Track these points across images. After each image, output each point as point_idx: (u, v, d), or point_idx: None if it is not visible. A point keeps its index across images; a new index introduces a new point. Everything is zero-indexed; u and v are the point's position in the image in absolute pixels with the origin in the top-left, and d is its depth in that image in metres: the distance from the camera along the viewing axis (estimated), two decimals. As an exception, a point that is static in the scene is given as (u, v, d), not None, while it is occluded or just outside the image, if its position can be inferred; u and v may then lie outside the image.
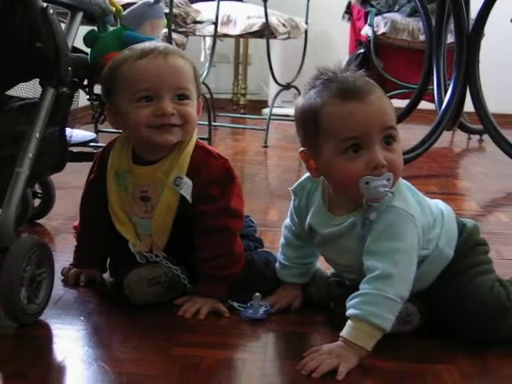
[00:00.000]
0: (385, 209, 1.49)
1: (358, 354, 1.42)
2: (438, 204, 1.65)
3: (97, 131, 3.68)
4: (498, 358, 1.51)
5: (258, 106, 6.09)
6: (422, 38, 4.69)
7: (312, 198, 1.65)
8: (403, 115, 4.68)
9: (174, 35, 3.78)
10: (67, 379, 1.38)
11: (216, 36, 4.26)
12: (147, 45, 1.73)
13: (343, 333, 1.44)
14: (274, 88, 5.24)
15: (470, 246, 1.62)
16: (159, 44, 1.77)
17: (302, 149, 1.57)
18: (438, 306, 1.59)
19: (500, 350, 1.54)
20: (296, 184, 1.69)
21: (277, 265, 1.79)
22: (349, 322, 1.45)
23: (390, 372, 1.43)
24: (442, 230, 1.58)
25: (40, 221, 2.44)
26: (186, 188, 1.69)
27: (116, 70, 1.70)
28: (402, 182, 1.57)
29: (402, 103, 4.79)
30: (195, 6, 4.07)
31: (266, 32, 4.44)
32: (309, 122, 1.52)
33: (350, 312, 1.45)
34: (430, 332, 1.60)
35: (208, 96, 4.61)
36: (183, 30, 3.94)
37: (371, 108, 1.46)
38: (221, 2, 4.20)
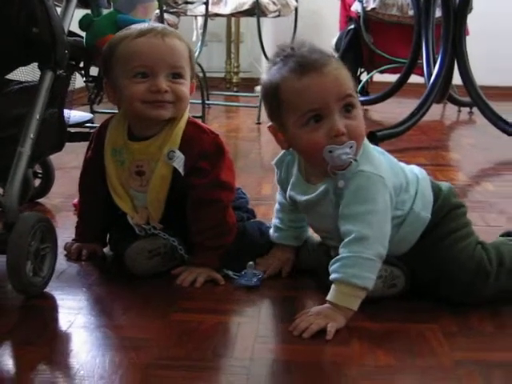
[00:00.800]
0: (353, 174, 1.56)
1: (345, 314, 1.50)
2: (413, 169, 1.72)
3: (92, 112, 3.75)
4: (479, 317, 1.59)
5: (250, 83, 6.12)
6: (411, 12, 4.72)
7: (291, 170, 1.73)
8: (394, 89, 4.75)
9: (166, 16, 3.84)
10: (73, 345, 1.46)
11: (207, 16, 4.32)
12: (146, 25, 1.81)
13: (329, 296, 1.53)
14: (265, 65, 5.28)
15: (448, 209, 1.68)
16: (157, 25, 1.85)
17: (269, 124, 1.66)
18: (421, 271, 1.66)
19: (481, 310, 1.62)
20: (277, 158, 1.78)
21: (271, 230, 1.87)
22: (333, 286, 1.53)
23: (376, 332, 1.51)
24: (416, 193, 1.64)
25: (40, 200, 2.52)
26: (179, 161, 1.77)
27: (115, 48, 1.77)
28: (372, 147, 1.64)
29: (392, 78, 4.86)
30: (186, -14, 4.13)
31: (256, 10, 4.49)
32: (271, 98, 1.60)
33: (332, 276, 1.53)
34: (414, 295, 1.68)
35: (201, 75, 4.66)
36: (175, 10, 3.99)
37: (327, 79, 1.53)
38: (211, -18, 4.26)
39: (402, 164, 1.71)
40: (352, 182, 1.56)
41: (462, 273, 1.63)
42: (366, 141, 1.61)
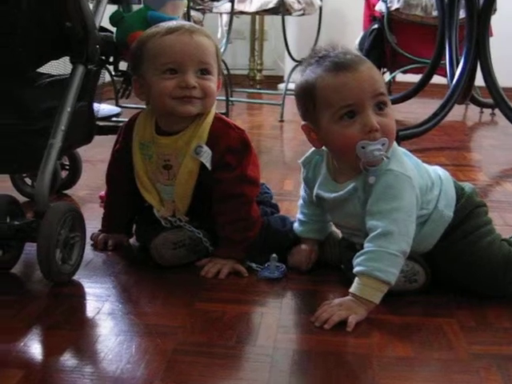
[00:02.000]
0: (382, 172, 1.60)
1: (367, 307, 1.54)
2: (436, 169, 1.76)
3: (117, 106, 3.80)
4: (497, 312, 1.62)
5: (273, 81, 6.18)
6: (434, 13, 4.75)
7: (318, 169, 1.78)
8: (417, 89, 4.77)
9: (192, 12, 3.88)
10: (101, 331, 1.49)
11: (233, 13, 4.36)
12: (174, 23, 1.85)
13: (352, 289, 1.56)
14: (289, 63, 5.33)
15: (472, 208, 1.72)
16: (185, 22, 1.89)
17: (303, 123, 1.70)
18: (444, 267, 1.71)
19: (499, 305, 1.66)
20: (304, 157, 1.81)
21: (295, 224, 1.91)
22: (356, 279, 1.57)
23: (395, 324, 1.55)
24: (440, 192, 1.69)
25: (67, 191, 2.57)
26: (206, 156, 1.81)
27: (144, 44, 1.81)
28: (400, 148, 1.68)
29: (415, 78, 4.87)
30: (212, -17, 4.17)
31: (281, 9, 4.53)
32: (307, 97, 1.65)
33: (356, 269, 1.57)
34: (434, 291, 1.71)
35: (225, 72, 4.69)
36: (200, 7, 4.03)
37: (362, 77, 1.58)
38: (237, -20, 4.30)
39: (426, 165, 1.75)
40: (380, 179, 1.60)
41: (489, 266, 1.67)
42: (394, 142, 1.66)
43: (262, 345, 1.44)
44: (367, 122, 1.57)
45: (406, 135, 3.57)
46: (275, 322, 1.55)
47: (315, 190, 1.77)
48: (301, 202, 1.90)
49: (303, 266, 1.84)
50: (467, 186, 1.78)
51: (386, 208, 1.59)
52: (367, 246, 1.58)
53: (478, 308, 1.64)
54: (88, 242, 1.94)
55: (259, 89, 6.06)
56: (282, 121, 4.45)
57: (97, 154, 2.89)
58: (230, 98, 4.67)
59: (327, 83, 1.60)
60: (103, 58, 1.99)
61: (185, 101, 1.78)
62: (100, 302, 1.63)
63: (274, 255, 1.80)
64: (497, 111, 4.58)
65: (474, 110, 5.04)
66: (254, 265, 1.83)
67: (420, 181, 1.65)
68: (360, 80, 1.58)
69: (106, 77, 2.09)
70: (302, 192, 1.89)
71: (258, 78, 6.36)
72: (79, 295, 1.70)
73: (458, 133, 4.36)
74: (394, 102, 4.87)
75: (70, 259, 1.72)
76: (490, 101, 4.50)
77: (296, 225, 1.91)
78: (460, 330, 1.53)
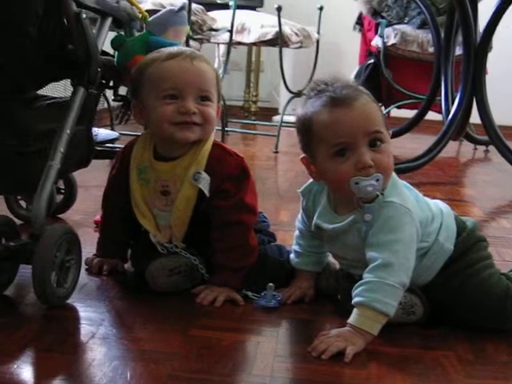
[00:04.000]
0: (382, 204, 1.60)
1: (365, 338, 1.53)
2: (437, 203, 1.77)
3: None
4: (495, 345, 1.61)
5: (268, 113, 6.19)
6: (431, 49, 4.77)
7: (318, 199, 1.77)
8: (411, 125, 4.78)
9: (190, 42, 3.89)
10: (95, 355, 1.47)
11: (231, 44, 4.37)
12: (175, 48, 1.85)
13: (350, 319, 1.55)
14: (284, 95, 5.34)
15: (473, 242, 1.72)
16: (186, 48, 1.89)
17: (302, 155, 1.70)
18: (443, 300, 1.69)
19: (497, 338, 1.65)
20: (303, 186, 1.81)
21: (291, 255, 1.89)
22: (355, 309, 1.55)
23: (393, 356, 1.53)
24: (441, 225, 1.69)
25: (62, 216, 2.55)
26: (205, 183, 1.80)
27: (145, 69, 1.81)
28: (400, 181, 1.69)
29: (410, 113, 4.89)
30: (211, 13, 4.18)
31: (279, 41, 4.55)
32: (304, 131, 1.66)
33: (355, 300, 1.56)
34: (433, 323, 1.70)
35: (221, 102, 4.69)
36: (199, 36, 4.04)
37: (356, 113, 1.58)
38: (236, 11, 4.31)
39: (427, 198, 1.75)
40: (381, 212, 1.60)
41: (489, 299, 1.67)
42: (394, 174, 1.66)
43: (258, 374, 1.42)
44: (360, 159, 1.57)
45: (401, 169, 3.57)
46: (271, 350, 1.53)
47: (314, 220, 1.76)
48: (297, 233, 1.89)
49: (292, 298, 1.82)
50: (469, 220, 1.78)
51: (386, 240, 1.58)
52: (367, 276, 1.57)
53: (477, 341, 1.63)
54: (83, 265, 1.92)
55: (254, 120, 6.06)
56: (276, 152, 4.45)
57: (91, 179, 2.87)
58: (226, 128, 4.67)
59: (322, 119, 1.60)
60: (104, 81, 1.99)
61: (184, 127, 1.78)
62: (94, 326, 1.61)
63: (271, 284, 1.78)
64: (491, 148, 4.60)
65: (467, 146, 5.05)
66: (250, 293, 1.81)
67: (420, 213, 1.64)
68: (354, 117, 1.58)
69: (104, 103, 2.08)
70: (297, 223, 1.89)
71: (252, 109, 6.37)
72: (73, 318, 1.68)
73: (452, 168, 4.37)
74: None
75: (65, 282, 1.71)
76: (484, 138, 4.52)
77: (292, 256, 1.89)
78: (458, 363, 1.52)
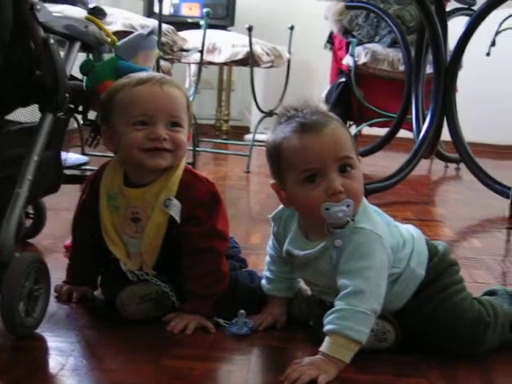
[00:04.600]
0: (352, 231, 1.59)
1: (337, 366, 1.51)
2: (408, 228, 1.76)
3: (83, 154, 3.77)
4: (467, 372, 1.60)
5: (240, 131, 6.19)
6: (401, 68, 4.80)
7: (289, 225, 1.76)
8: (383, 143, 4.81)
9: (161, 62, 3.88)
10: (64, 388, 1.46)
11: (202, 64, 4.37)
12: (144, 74, 1.84)
13: (322, 347, 1.53)
14: (256, 114, 5.34)
15: (444, 267, 1.72)
16: (156, 74, 1.88)
17: (272, 181, 1.69)
18: (415, 325, 1.68)
19: (469, 364, 1.64)
20: (274, 212, 1.79)
21: (263, 281, 1.87)
22: (327, 337, 1.54)
23: (366, 384, 1.53)
24: (412, 251, 1.68)
25: (31, 240, 2.51)
26: (175, 209, 1.78)
27: (114, 95, 1.79)
28: (370, 206, 1.68)
29: (381, 131, 4.91)
30: (181, 33, 4.17)
31: (250, 60, 4.55)
32: (274, 157, 1.65)
33: (326, 328, 1.54)
34: (405, 349, 1.69)
35: (192, 121, 4.68)
36: (169, 57, 4.03)
37: (325, 139, 1.57)
38: (206, 31, 4.31)
39: (398, 223, 1.74)
40: (351, 238, 1.59)
41: (462, 324, 1.66)
42: (365, 200, 1.65)
43: (230, 405, 1.40)
44: (330, 185, 1.56)
45: (373, 189, 3.57)
46: (243, 380, 1.51)
47: (285, 246, 1.75)
48: (268, 259, 1.88)
49: (264, 325, 1.80)
50: (441, 244, 1.77)
51: (357, 266, 1.57)
52: (338, 304, 1.55)
53: (449, 367, 1.62)
54: (52, 293, 1.89)
55: (226, 139, 6.06)
56: (248, 172, 4.44)
57: (62, 202, 2.84)
58: (197, 148, 4.66)
59: (291, 145, 1.60)
60: (72, 106, 1.97)
61: (155, 154, 1.76)
62: (64, 356, 1.58)
63: (242, 311, 1.76)
64: (462, 166, 4.62)
65: (438, 164, 5.08)
66: (221, 320, 1.79)
67: (391, 239, 1.64)
68: (323, 143, 1.57)
69: (73, 124, 2.06)
70: (268, 249, 1.87)
71: (224, 128, 6.37)
72: (42, 349, 1.65)
73: (423, 187, 4.39)
74: (361, 155, 4.85)
75: (33, 312, 1.68)
76: (454, 155, 4.54)
77: (263, 282, 1.88)
78: (431, 390, 1.51)
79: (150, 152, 1.76)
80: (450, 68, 3.88)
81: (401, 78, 4.70)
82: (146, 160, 1.76)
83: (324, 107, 1.68)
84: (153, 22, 3.61)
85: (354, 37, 5.06)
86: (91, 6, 2.14)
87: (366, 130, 5.23)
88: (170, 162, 1.79)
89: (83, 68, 1.98)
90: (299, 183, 1.60)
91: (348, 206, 1.56)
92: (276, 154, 1.63)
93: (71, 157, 2.36)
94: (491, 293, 1.87)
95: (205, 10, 4.30)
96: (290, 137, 1.60)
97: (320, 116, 1.62)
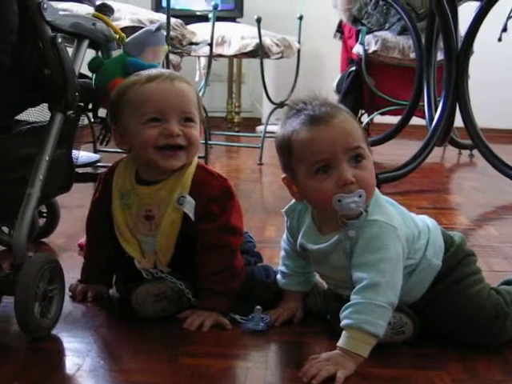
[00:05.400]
0: (366, 223, 1.57)
1: (355, 360, 1.50)
2: (424, 219, 1.74)
3: (95, 151, 3.77)
4: (487, 364, 1.59)
5: (252, 123, 6.17)
6: (412, 55, 4.76)
7: (302, 219, 1.74)
8: (395, 131, 4.78)
9: (170, 56, 3.86)
10: (81, 389, 1.45)
11: (211, 56, 4.35)
12: (154, 71, 1.82)
13: (340, 342, 1.52)
14: (267, 106, 5.33)
15: (461, 257, 1.70)
16: (164, 70, 1.87)
17: (283, 175, 1.68)
18: (432, 317, 1.67)
19: (489, 356, 1.62)
20: (287, 206, 1.78)
21: (278, 276, 1.86)
22: (344, 332, 1.53)
23: (385, 378, 1.51)
24: (428, 242, 1.66)
25: (45, 239, 2.51)
26: (189, 206, 1.77)
27: (124, 93, 1.78)
28: (383, 197, 1.66)
29: (393, 119, 4.88)
30: (190, 27, 4.16)
31: (259, 52, 4.53)
32: (284, 151, 1.63)
33: (343, 322, 1.53)
34: (423, 341, 1.67)
35: (203, 115, 4.67)
36: (179, 50, 4.01)
37: (335, 130, 1.56)
38: (215, 23, 4.29)
39: (413, 214, 1.72)
40: (365, 231, 1.57)
41: (480, 316, 1.64)
42: (377, 191, 1.63)
43: (249, 402, 1.39)
44: (341, 176, 1.55)
45: (387, 178, 3.56)
46: (261, 377, 1.50)
47: (299, 240, 1.73)
48: (283, 253, 1.86)
49: (280, 320, 1.79)
50: (457, 235, 1.75)
51: (372, 259, 1.55)
52: (354, 298, 1.54)
53: (469, 359, 1.60)
54: (66, 292, 1.89)
55: (237, 131, 6.04)
56: (261, 164, 4.42)
57: (74, 200, 2.83)
58: (209, 142, 4.64)
59: (301, 138, 1.58)
60: (82, 104, 1.96)
61: (169, 155, 1.75)
62: (80, 357, 1.58)
63: (259, 307, 1.75)
64: (475, 152, 4.59)
65: (452, 151, 5.05)
66: (237, 317, 1.78)
67: (406, 230, 1.62)
68: (333, 134, 1.56)
69: (84, 120, 2.05)
70: (283, 244, 1.86)
71: (236, 120, 6.35)
72: (58, 350, 1.64)
73: (438, 175, 4.36)
74: (373, 144, 4.88)
75: (48, 313, 1.67)
76: (468, 142, 4.52)
77: (279, 277, 1.86)
78: (451, 382, 1.49)
79: (164, 152, 1.75)
80: (461, 54, 3.86)
81: (412, 66, 4.66)
82: (159, 161, 1.75)
83: (333, 99, 1.66)
84: (160, 18, 3.59)
85: (363, 25, 5.02)
86: (98, 2, 2.12)
87: (378, 118, 5.20)
88: (184, 161, 1.78)
89: (92, 65, 1.98)
90: (310, 176, 1.58)
91: (360, 196, 1.55)
92: (286, 148, 1.62)
93: (83, 155, 2.34)
94: (509, 282, 1.85)
95: (212, 2, 4.28)
96: (299, 130, 1.59)
97: (329, 108, 1.60)
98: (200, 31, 4.29)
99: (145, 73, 1.81)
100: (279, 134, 1.65)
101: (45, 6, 1.71)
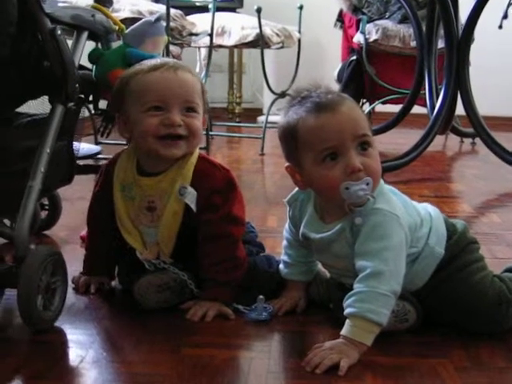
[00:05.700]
0: (370, 212, 1.57)
1: (359, 349, 1.50)
2: (426, 207, 1.74)
3: (96, 143, 3.77)
4: (490, 351, 1.59)
5: (253, 114, 6.15)
6: (413, 43, 4.75)
7: (304, 208, 1.74)
8: (396, 120, 4.76)
9: (171, 47, 3.85)
10: (85, 380, 1.45)
11: (212, 47, 4.34)
12: (158, 60, 1.82)
13: (343, 331, 1.52)
14: (268, 96, 5.31)
15: (464, 245, 1.70)
16: (169, 59, 1.86)
17: (287, 164, 1.67)
18: (435, 305, 1.67)
19: (492, 343, 1.63)
20: (289, 195, 1.78)
21: (281, 265, 1.86)
22: (347, 321, 1.53)
23: (389, 366, 1.51)
24: (430, 230, 1.66)
25: (47, 232, 2.51)
26: (191, 197, 1.77)
27: (127, 82, 1.78)
28: (386, 186, 1.66)
29: (395, 108, 4.87)
30: (190, 17, 4.15)
31: (260, 42, 4.52)
32: (289, 139, 1.62)
33: (346, 311, 1.53)
34: (426, 329, 1.67)
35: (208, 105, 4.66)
36: (179, 42, 4.01)
37: (342, 118, 1.56)
38: (215, 14, 4.28)
39: (415, 202, 1.72)
40: (368, 219, 1.57)
41: (483, 303, 1.64)
42: (381, 180, 1.63)
43: (253, 392, 1.39)
44: (349, 163, 1.54)
45: (389, 167, 3.55)
46: (264, 367, 1.50)
47: (301, 229, 1.73)
48: (285, 243, 1.86)
49: (283, 309, 1.79)
50: (459, 222, 1.75)
51: (375, 247, 1.55)
52: (357, 286, 1.54)
53: (472, 347, 1.60)
54: (69, 285, 1.89)
55: (239, 122, 6.03)
56: (262, 154, 4.42)
57: (76, 192, 2.83)
58: (210, 132, 4.64)
59: (308, 125, 1.58)
60: (82, 96, 1.96)
61: (169, 144, 1.75)
62: (83, 349, 1.58)
63: (262, 296, 1.75)
64: (477, 140, 4.59)
65: (454, 139, 5.04)
66: (240, 307, 1.78)
67: (408, 219, 1.62)
68: (341, 121, 1.56)
69: (85, 112, 2.05)
70: (285, 233, 1.86)
71: (237, 110, 6.33)
72: (62, 342, 1.64)
73: (439, 163, 4.35)
74: (375, 132, 4.84)
75: (51, 305, 1.67)
76: (469, 130, 4.50)
77: (281, 266, 1.86)
78: (454, 370, 1.49)
79: (165, 141, 1.74)
80: (462, 42, 3.84)
81: (413, 54, 4.64)
82: (160, 150, 1.75)
83: (334, 88, 1.66)
84: (160, 8, 3.58)
85: (364, 14, 4.99)
86: (97, -6, 2.11)
87: (380, 107, 5.18)
88: (185, 151, 1.78)
89: (92, 57, 1.98)
90: (318, 163, 1.57)
91: (367, 184, 1.55)
92: (291, 136, 1.61)
93: (84, 147, 2.34)
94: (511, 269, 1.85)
95: (213, -8, 4.27)
96: (305, 117, 1.58)
97: (335, 95, 1.61)
98: (200, 22, 4.28)
99: (149, 62, 1.80)
100: (283, 122, 1.64)
101: (44, -3, 1.71)
